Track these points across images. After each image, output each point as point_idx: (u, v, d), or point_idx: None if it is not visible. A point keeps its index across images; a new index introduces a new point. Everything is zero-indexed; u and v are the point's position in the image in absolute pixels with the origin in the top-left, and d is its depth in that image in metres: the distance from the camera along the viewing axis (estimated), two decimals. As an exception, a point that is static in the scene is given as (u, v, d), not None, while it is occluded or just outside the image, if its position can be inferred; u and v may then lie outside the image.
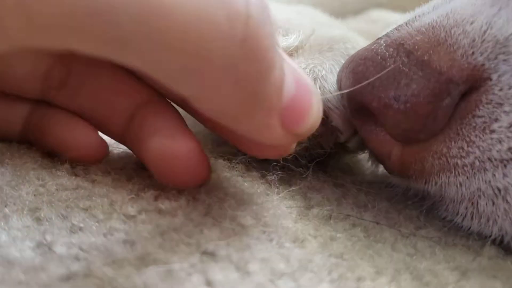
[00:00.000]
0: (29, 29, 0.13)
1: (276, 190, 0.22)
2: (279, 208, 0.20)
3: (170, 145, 0.19)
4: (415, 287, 0.17)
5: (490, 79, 0.19)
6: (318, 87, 0.23)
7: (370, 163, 0.26)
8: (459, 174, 0.20)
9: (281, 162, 0.23)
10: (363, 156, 0.27)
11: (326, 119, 0.23)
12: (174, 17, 0.13)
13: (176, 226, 0.18)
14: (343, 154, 0.26)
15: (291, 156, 0.23)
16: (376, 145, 0.22)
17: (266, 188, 0.22)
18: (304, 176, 0.23)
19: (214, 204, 0.19)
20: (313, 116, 0.18)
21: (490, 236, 0.20)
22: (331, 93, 0.23)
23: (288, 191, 0.22)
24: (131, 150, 0.22)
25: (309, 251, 0.18)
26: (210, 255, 0.17)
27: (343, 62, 0.25)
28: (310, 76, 0.24)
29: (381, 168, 0.26)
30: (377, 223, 0.21)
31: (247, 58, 0.15)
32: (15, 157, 0.21)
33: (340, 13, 0.40)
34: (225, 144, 0.24)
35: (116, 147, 0.23)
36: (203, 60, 0.14)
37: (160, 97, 0.21)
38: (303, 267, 0.17)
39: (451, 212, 0.21)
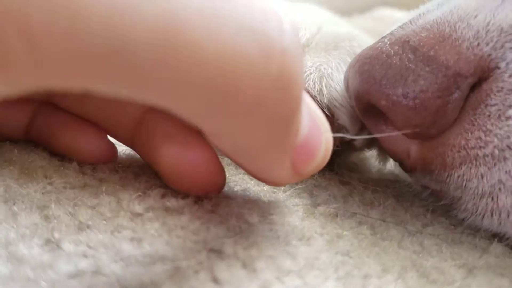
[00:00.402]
0: (40, 73, 0.11)
1: (283, 188, 0.22)
2: (285, 206, 0.20)
3: (186, 154, 0.18)
4: (422, 284, 0.17)
5: (498, 68, 0.19)
6: (324, 85, 0.23)
7: (377, 161, 0.26)
8: (480, 165, 0.19)
9: None
10: (370, 154, 0.27)
11: (332, 117, 0.23)
12: (201, 51, 0.12)
13: (183, 224, 0.18)
14: (349, 152, 0.26)
15: None
16: (391, 145, 0.22)
17: (272, 186, 0.22)
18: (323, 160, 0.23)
19: (220, 202, 0.19)
20: (321, 156, 0.17)
21: (505, 235, 0.20)
22: (337, 91, 0.23)
23: (295, 189, 0.22)
24: (141, 156, 0.21)
25: (316, 248, 0.18)
26: (217, 252, 0.17)
27: (349, 60, 0.25)
28: (316, 74, 0.24)
29: (387, 166, 0.26)
30: (384, 221, 0.21)
31: (278, 97, 0.13)
32: (23, 154, 0.21)
33: (346, 11, 0.40)
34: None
35: (122, 145, 0.23)
36: (231, 98, 0.13)
37: None
38: (309, 265, 0.17)
39: (471, 210, 0.20)
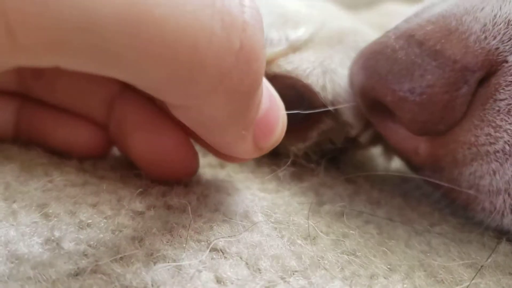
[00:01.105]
0: (14, 50, 0.12)
1: (287, 186, 0.21)
2: (290, 205, 0.20)
3: (157, 140, 0.19)
4: (429, 284, 0.17)
5: (506, 62, 0.19)
6: (327, 80, 0.23)
7: (383, 158, 0.26)
8: (491, 161, 0.19)
9: (292, 158, 0.23)
10: (376, 152, 0.26)
11: (336, 114, 0.23)
12: (166, 27, 0.12)
13: (185, 223, 0.17)
14: (354, 149, 0.25)
15: (302, 152, 0.23)
16: (399, 142, 0.21)
17: (277, 184, 0.21)
18: (315, 172, 0.23)
19: (223, 201, 0.19)
20: (279, 131, 0.18)
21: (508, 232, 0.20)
22: (341, 87, 0.23)
23: (300, 188, 0.22)
24: (117, 147, 0.21)
25: (321, 248, 0.18)
26: (220, 252, 0.16)
27: (353, 55, 0.24)
28: (320, 69, 0.23)
29: (393, 164, 0.26)
30: (391, 220, 0.20)
31: (241, 70, 0.14)
32: (23, 152, 0.21)
33: (352, 6, 0.40)
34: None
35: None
36: (196, 70, 0.13)
37: None
38: (315, 264, 0.17)
39: (488, 210, 0.20)
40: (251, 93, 0.15)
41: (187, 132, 0.19)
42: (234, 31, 0.13)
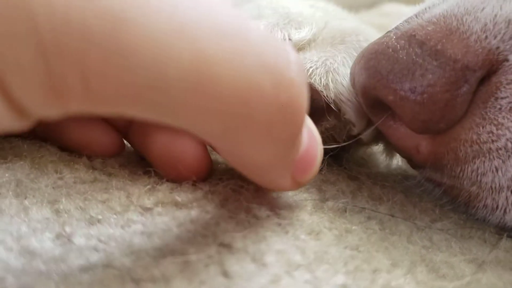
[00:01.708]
0: (88, 105, 0.13)
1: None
2: (294, 201, 0.20)
3: (175, 141, 0.20)
4: (431, 279, 0.17)
5: (507, 60, 0.19)
6: (330, 80, 0.23)
7: (384, 156, 0.26)
8: (494, 159, 0.19)
9: None
10: (378, 150, 0.27)
11: (338, 112, 0.23)
12: (224, 85, 0.13)
13: (193, 218, 0.18)
14: (357, 147, 0.26)
15: None
16: (400, 140, 0.22)
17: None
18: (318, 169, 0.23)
19: (230, 197, 0.19)
20: (317, 166, 0.19)
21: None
22: (343, 86, 0.23)
23: (303, 184, 0.22)
24: (133, 145, 0.22)
25: (325, 243, 0.18)
26: (227, 246, 0.17)
27: (355, 54, 0.25)
28: (322, 69, 0.24)
29: (395, 161, 0.26)
30: (393, 216, 0.21)
31: (285, 121, 0.15)
32: (33, 150, 0.21)
33: (353, 7, 0.40)
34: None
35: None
36: (246, 123, 0.15)
37: None
38: (319, 259, 0.17)
39: (491, 207, 0.20)
40: (292, 140, 0.16)
41: None
42: (282, 88, 0.15)
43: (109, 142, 0.21)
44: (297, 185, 0.18)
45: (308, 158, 0.18)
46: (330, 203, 0.21)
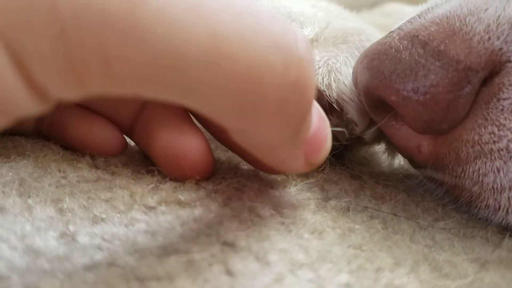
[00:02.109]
0: (107, 86, 0.13)
1: (294, 182, 0.22)
2: (297, 200, 0.21)
3: (179, 139, 0.20)
4: (434, 278, 0.17)
5: (510, 61, 0.19)
6: (332, 79, 0.23)
7: (386, 155, 0.26)
8: (495, 159, 0.19)
9: None
10: (380, 149, 0.27)
11: (341, 112, 0.23)
12: (239, 64, 0.14)
13: (196, 217, 0.18)
14: (359, 146, 0.26)
15: None
16: (402, 140, 0.22)
17: (284, 180, 0.22)
18: (321, 168, 0.23)
19: (233, 196, 0.20)
20: (327, 147, 0.19)
21: None
22: (345, 85, 0.23)
23: (306, 183, 0.22)
24: (137, 144, 0.22)
25: (328, 242, 0.18)
26: (230, 245, 0.17)
27: (357, 54, 0.25)
28: (325, 68, 0.24)
29: (397, 161, 0.26)
30: (395, 215, 0.21)
31: (296, 98, 0.15)
32: (36, 149, 0.21)
33: (355, 7, 0.40)
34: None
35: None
36: (259, 101, 0.15)
37: None
38: (322, 258, 0.17)
39: (493, 207, 0.20)
40: (303, 117, 0.16)
41: (240, 154, 0.21)
42: (292, 66, 0.15)
43: (112, 140, 0.22)
44: (309, 166, 0.19)
45: (319, 138, 0.18)
46: (333, 202, 0.21)
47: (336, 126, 0.24)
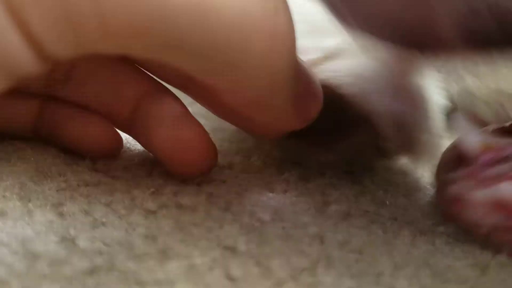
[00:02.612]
0: (102, 42, 0.14)
1: (294, 186, 0.22)
2: (297, 205, 0.21)
3: (179, 133, 0.20)
4: (435, 283, 0.17)
5: None
6: (362, 90, 0.22)
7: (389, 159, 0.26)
8: None
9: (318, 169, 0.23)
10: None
11: (370, 126, 0.22)
12: (223, 15, 0.14)
13: (197, 221, 0.18)
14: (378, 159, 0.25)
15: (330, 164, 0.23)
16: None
17: (284, 184, 0.22)
18: (321, 173, 0.23)
19: (233, 200, 0.20)
20: (321, 99, 0.19)
21: None
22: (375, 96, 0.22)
23: (306, 188, 0.22)
24: (137, 140, 0.22)
25: (329, 246, 0.18)
26: (231, 250, 0.17)
27: None
28: (354, 78, 0.23)
29: (397, 165, 0.26)
30: (395, 220, 0.21)
31: (277, 47, 0.16)
32: (36, 153, 0.21)
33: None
34: (242, 141, 0.24)
35: (135, 143, 0.23)
36: (243, 54, 0.15)
37: (164, 87, 0.21)
38: (323, 263, 0.17)
39: None
40: (288, 70, 0.17)
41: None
42: (269, 15, 0.15)
43: (107, 137, 0.21)
44: (303, 120, 0.19)
45: (310, 91, 0.19)
46: (333, 207, 0.21)
47: (362, 141, 0.23)
